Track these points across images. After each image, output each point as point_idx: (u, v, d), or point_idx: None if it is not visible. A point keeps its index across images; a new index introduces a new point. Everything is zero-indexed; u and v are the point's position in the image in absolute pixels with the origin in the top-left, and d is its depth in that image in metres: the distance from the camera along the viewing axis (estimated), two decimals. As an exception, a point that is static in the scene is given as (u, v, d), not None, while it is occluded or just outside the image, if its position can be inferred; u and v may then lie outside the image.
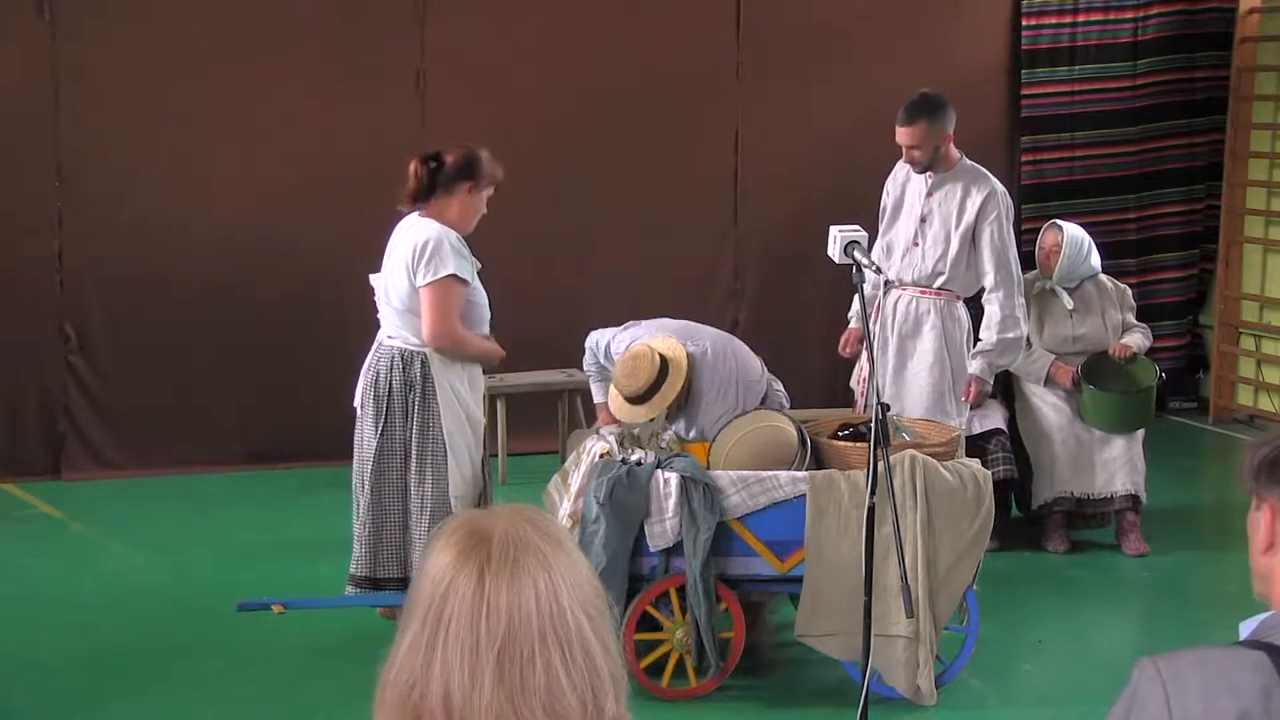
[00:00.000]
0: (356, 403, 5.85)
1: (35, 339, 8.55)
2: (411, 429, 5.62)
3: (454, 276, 5.54)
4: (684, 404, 5.98)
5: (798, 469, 5.59)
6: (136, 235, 8.52)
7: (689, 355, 5.92)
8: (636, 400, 5.91)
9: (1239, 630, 2.12)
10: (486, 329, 5.81)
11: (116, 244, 8.51)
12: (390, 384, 5.64)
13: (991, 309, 6.75)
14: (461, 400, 5.68)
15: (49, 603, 6.63)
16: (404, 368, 5.63)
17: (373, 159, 8.17)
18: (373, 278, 6.10)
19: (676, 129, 9.24)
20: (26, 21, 8.38)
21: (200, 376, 8.69)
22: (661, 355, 5.87)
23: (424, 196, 5.67)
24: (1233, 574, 6.88)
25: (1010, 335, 6.75)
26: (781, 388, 6.16)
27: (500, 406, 8.45)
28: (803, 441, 5.67)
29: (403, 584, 5.60)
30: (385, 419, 5.65)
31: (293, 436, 8.47)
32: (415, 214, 5.71)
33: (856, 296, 5.32)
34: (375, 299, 5.95)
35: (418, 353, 5.64)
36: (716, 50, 9.44)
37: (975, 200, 6.70)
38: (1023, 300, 6.83)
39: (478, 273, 5.75)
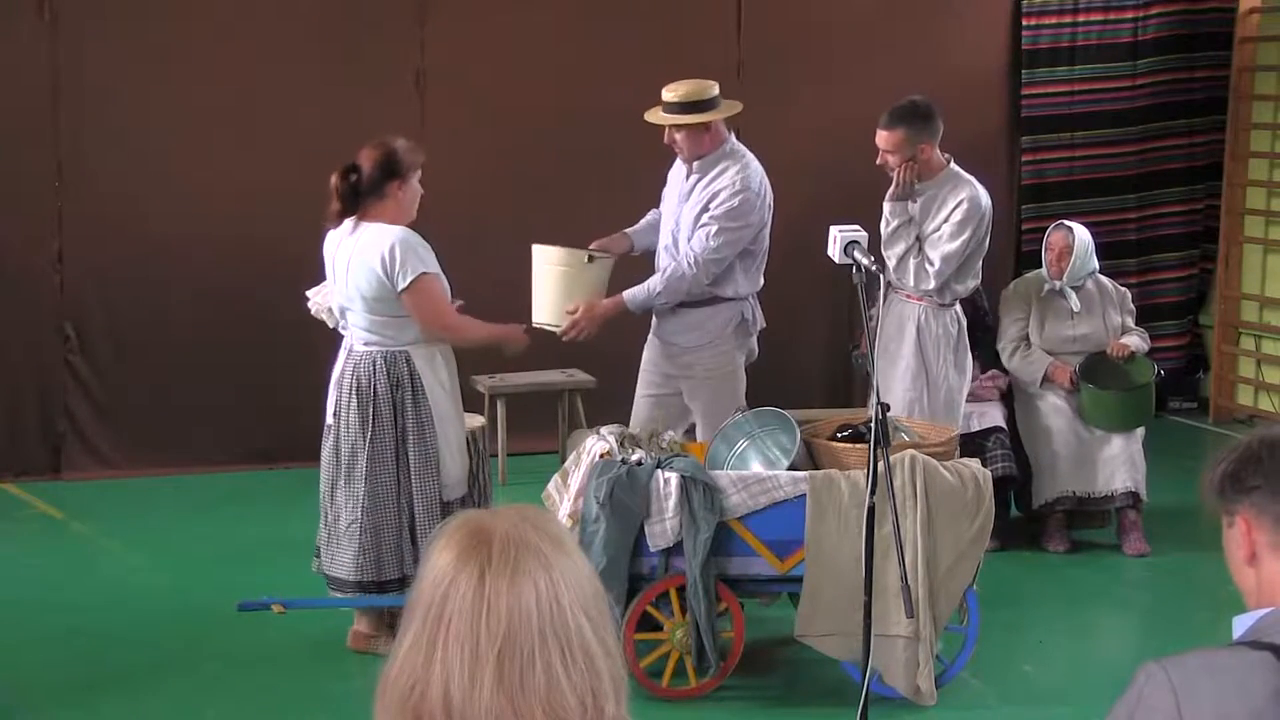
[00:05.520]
0: (331, 414, 5.87)
1: (35, 339, 8.55)
2: (403, 428, 5.70)
3: (431, 273, 5.69)
4: (699, 172, 6.40)
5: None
6: (136, 235, 8.52)
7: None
8: (680, 107, 6.21)
9: (1233, 625, 2.11)
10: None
11: (116, 244, 8.50)
12: (374, 388, 5.72)
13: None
14: (447, 391, 5.82)
15: (49, 603, 6.62)
16: (389, 369, 5.72)
17: (372, 159, 8.17)
18: (311, 292, 6.19)
19: (677, 129, 9.22)
20: (26, 21, 8.37)
21: (200, 376, 8.69)
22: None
23: (351, 208, 5.72)
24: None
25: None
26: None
27: (500, 406, 8.45)
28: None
29: (403, 584, 5.66)
30: (374, 424, 5.71)
31: (292, 436, 8.44)
32: (363, 223, 5.74)
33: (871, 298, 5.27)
34: (317, 312, 6.14)
35: (400, 353, 5.75)
36: (716, 50, 9.43)
37: (948, 208, 6.53)
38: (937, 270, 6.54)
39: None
